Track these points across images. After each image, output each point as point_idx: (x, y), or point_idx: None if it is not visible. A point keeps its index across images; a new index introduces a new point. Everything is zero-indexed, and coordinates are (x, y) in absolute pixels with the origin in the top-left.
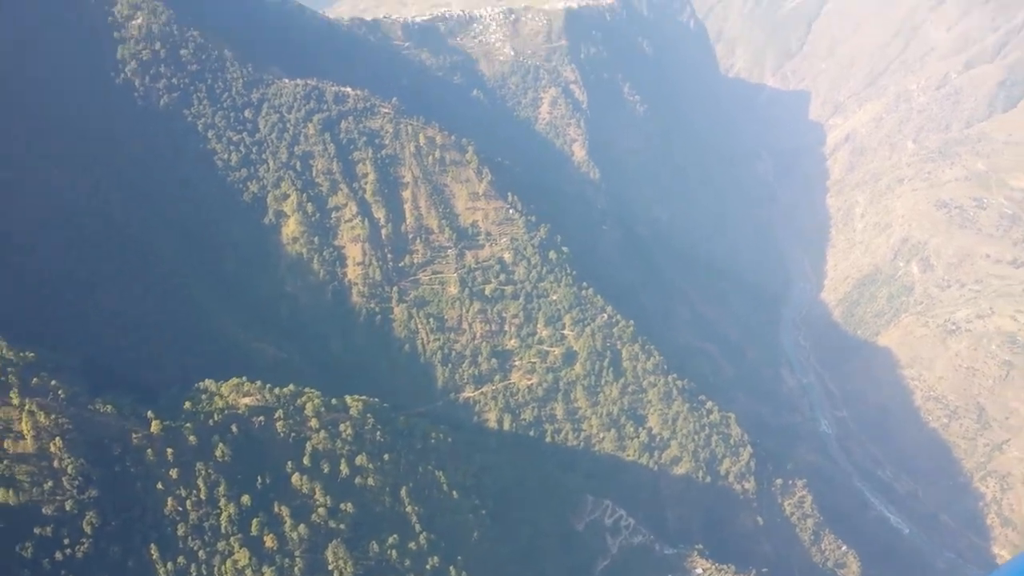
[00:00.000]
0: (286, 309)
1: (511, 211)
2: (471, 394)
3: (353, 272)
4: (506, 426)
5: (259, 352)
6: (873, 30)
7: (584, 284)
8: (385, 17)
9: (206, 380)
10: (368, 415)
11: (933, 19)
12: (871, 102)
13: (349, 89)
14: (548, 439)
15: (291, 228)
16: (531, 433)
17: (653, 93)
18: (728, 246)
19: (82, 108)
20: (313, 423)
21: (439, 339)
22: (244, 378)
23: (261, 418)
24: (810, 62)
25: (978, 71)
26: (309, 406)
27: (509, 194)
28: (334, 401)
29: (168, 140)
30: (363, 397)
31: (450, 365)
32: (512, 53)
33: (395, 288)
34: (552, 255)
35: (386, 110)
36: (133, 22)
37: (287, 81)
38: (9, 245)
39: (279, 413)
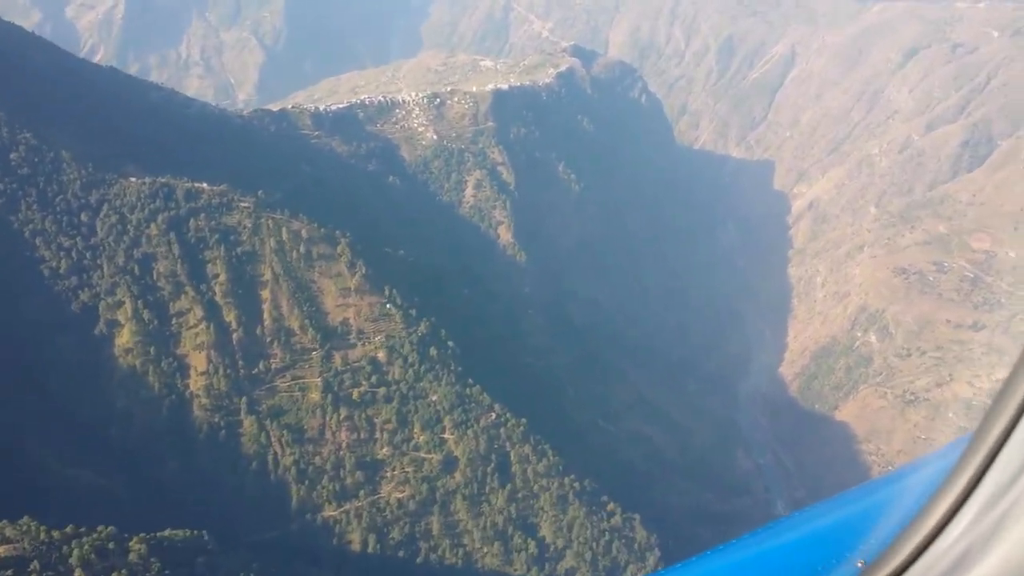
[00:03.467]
0: (116, 429)
1: (388, 306)
2: (332, 513)
3: (196, 383)
4: (371, 547)
5: (74, 479)
6: (835, 96)
7: (469, 381)
8: (293, 107)
9: None
10: (152, 560)
11: (895, 82)
12: (834, 168)
13: (205, 184)
14: (421, 559)
15: (124, 338)
16: (401, 554)
17: (593, 170)
18: (681, 323)
19: None
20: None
21: (295, 452)
22: (27, 517)
23: (10, 572)
24: (774, 131)
25: (941, 132)
26: (76, 553)
27: (386, 287)
28: (111, 545)
29: None
30: (177, 531)
31: (307, 481)
32: (435, 137)
33: (243, 398)
34: (433, 351)
35: (245, 204)
36: None
37: (133, 180)
38: None
39: (34, 565)
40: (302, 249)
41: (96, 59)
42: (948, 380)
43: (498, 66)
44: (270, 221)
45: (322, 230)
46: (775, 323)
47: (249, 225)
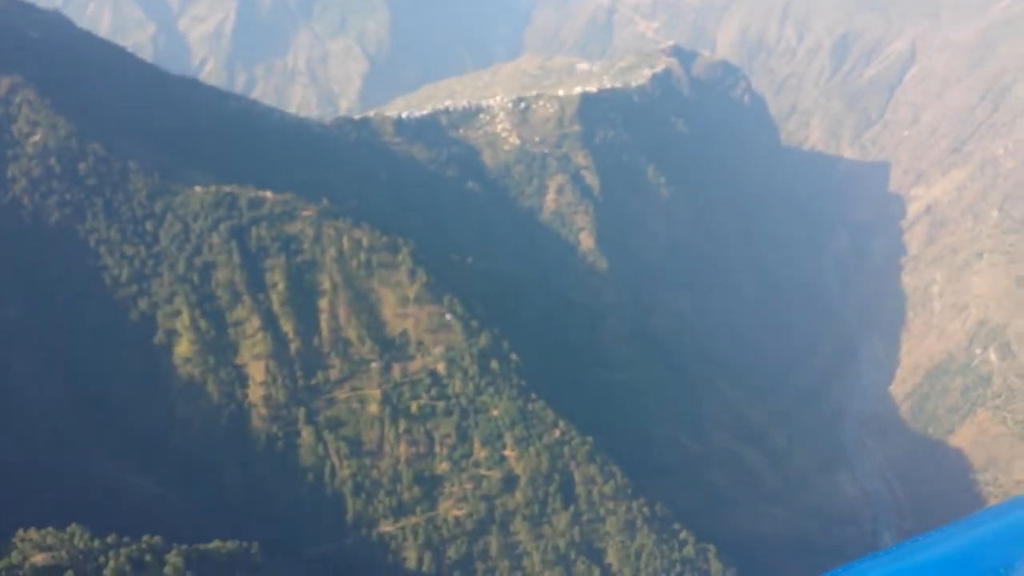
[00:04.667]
0: (177, 438)
1: (448, 316)
2: (388, 528)
3: (255, 393)
4: (427, 566)
5: (134, 488)
6: (959, 94)
7: (533, 396)
8: (375, 114)
9: (31, 529)
10: (188, 572)
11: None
12: (955, 170)
13: (269, 193)
14: None
15: (183, 347)
16: (456, 574)
17: (686, 174)
18: (781, 336)
19: None
20: None
21: (352, 465)
22: (75, 525)
23: None
24: (891, 131)
25: None
26: (111, 564)
27: (446, 297)
28: (148, 557)
29: (58, 258)
30: (226, 543)
31: (363, 495)
32: (518, 142)
33: (302, 409)
34: (495, 364)
35: (308, 213)
36: (32, 139)
37: (198, 189)
38: None
39: (68, 574)
40: (362, 257)
41: (206, 70)
42: None
43: (594, 68)
44: (331, 229)
45: (384, 238)
46: (887, 337)
47: (311, 234)
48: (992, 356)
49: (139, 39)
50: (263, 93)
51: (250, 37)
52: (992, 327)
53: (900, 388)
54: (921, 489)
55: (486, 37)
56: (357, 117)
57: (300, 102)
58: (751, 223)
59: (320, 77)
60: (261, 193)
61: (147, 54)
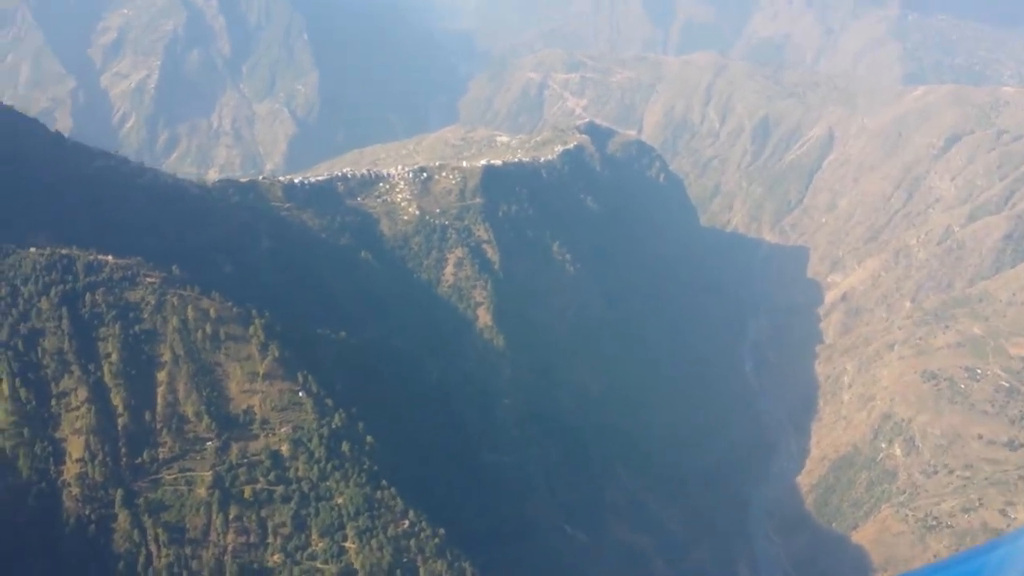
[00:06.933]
0: None
1: (300, 393)
2: None
3: (70, 471)
4: None
5: None
6: (874, 182)
7: (383, 483)
8: (264, 178)
9: None
10: None
11: (937, 169)
12: (870, 258)
13: (110, 257)
14: None
15: None
16: None
17: (596, 252)
18: (693, 420)
19: None
20: None
21: (170, 553)
22: None
23: None
24: (810, 215)
25: (983, 223)
26: None
27: (300, 373)
28: None
29: None
30: None
31: None
32: (418, 212)
33: (119, 490)
34: (345, 447)
35: (151, 279)
36: None
37: (32, 250)
38: None
39: None
40: (209, 329)
41: (127, 126)
42: (977, 505)
43: (512, 142)
44: (175, 298)
45: (235, 309)
46: (800, 425)
47: (152, 301)
48: (897, 450)
49: (58, 93)
50: (186, 152)
51: (174, 95)
52: (897, 421)
53: (807, 479)
54: None
55: (422, 104)
56: (243, 180)
57: (224, 163)
58: (667, 302)
59: (246, 138)
60: (101, 257)
61: (66, 109)
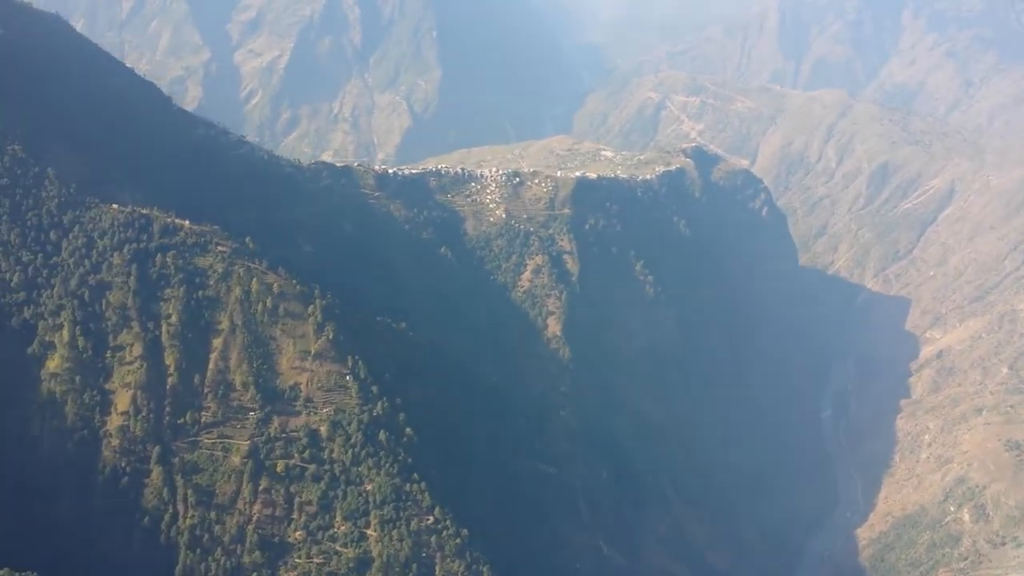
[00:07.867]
0: (24, 454)
1: (348, 377)
2: None
3: (113, 422)
4: None
5: None
6: (991, 241)
7: (414, 476)
8: (359, 165)
9: None
10: None
11: None
12: (974, 318)
13: (187, 222)
14: None
15: (55, 363)
16: None
17: (680, 277)
18: (754, 461)
19: None
20: None
21: (196, 515)
22: None
23: None
24: (917, 268)
25: None
26: None
27: (351, 357)
28: None
29: None
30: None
31: (199, 550)
32: (505, 216)
33: (157, 448)
34: (383, 436)
35: (223, 248)
36: None
37: (115, 207)
38: None
39: None
40: (269, 303)
41: (252, 103)
42: None
43: (616, 158)
44: (242, 269)
45: (299, 287)
46: (871, 478)
47: (220, 270)
48: (965, 516)
49: (192, 63)
50: (304, 133)
51: (301, 78)
52: (971, 486)
53: (867, 532)
54: None
55: (539, 113)
56: (340, 164)
57: (339, 147)
58: (746, 340)
59: (363, 127)
60: (179, 221)
61: (197, 79)
